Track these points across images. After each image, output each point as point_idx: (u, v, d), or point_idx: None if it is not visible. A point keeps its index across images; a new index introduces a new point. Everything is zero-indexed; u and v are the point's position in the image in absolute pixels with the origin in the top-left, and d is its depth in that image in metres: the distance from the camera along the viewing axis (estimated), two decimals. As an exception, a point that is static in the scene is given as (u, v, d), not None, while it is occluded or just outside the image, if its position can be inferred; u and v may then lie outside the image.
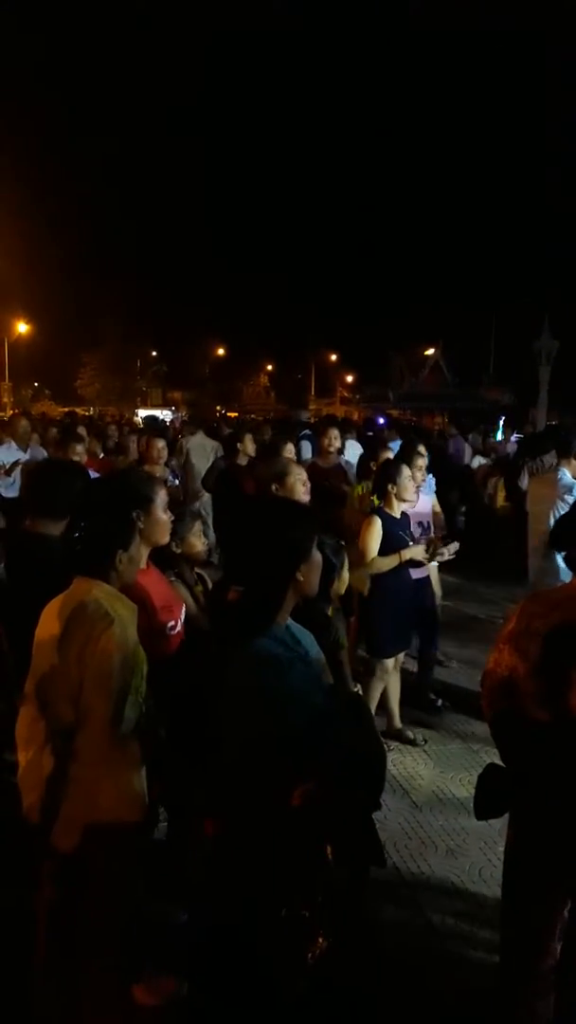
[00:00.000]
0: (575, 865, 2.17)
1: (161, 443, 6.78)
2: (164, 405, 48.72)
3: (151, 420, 16.67)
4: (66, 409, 28.46)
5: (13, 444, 7.82)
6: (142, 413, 26.05)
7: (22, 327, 39.61)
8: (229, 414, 33.98)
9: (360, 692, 2.45)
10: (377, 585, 4.62)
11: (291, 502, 3.07)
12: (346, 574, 3.20)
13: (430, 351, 45.36)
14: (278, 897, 1.65)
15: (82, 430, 7.48)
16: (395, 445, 6.28)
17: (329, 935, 1.63)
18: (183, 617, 2.86)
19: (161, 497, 2.82)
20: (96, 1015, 2.29)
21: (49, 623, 2.22)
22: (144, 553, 2.78)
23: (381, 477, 4.78)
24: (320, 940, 1.62)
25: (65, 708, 2.15)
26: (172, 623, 2.78)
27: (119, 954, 2.36)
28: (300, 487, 3.72)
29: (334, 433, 6.31)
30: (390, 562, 4.54)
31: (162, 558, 3.01)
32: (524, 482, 8.89)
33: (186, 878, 2.53)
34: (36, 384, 50.25)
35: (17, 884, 2.46)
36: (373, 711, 4.54)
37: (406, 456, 5.33)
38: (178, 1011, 2.53)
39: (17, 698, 2.39)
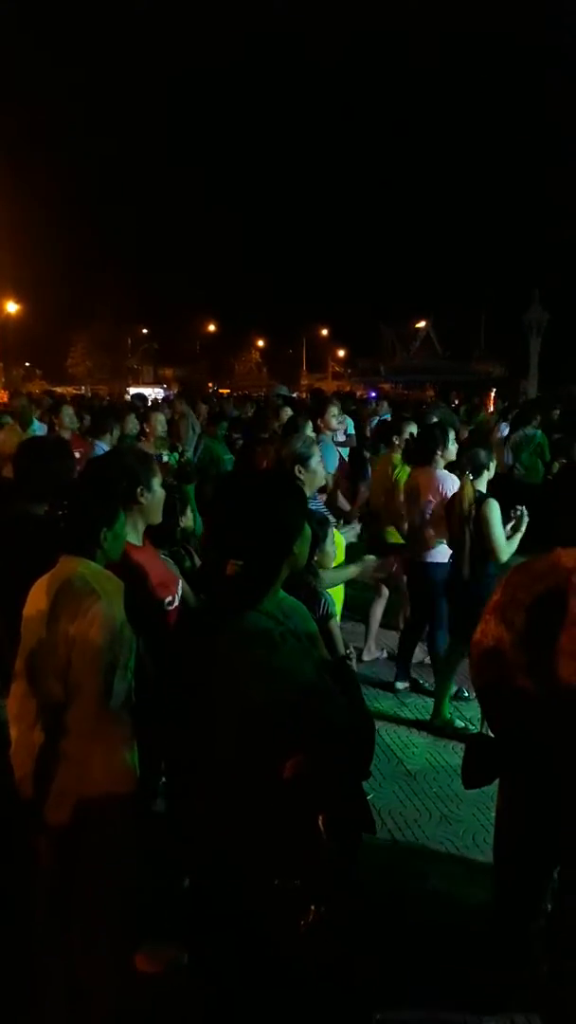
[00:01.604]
0: (560, 829, 2.21)
1: (161, 417, 6.83)
2: (155, 383, 48.45)
3: (139, 398, 16.56)
4: (59, 389, 28.28)
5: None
6: (133, 391, 25.85)
7: (11, 307, 39.24)
8: (221, 391, 33.78)
9: (351, 657, 2.48)
10: (486, 571, 4.34)
11: (284, 478, 3.07)
12: (330, 548, 3.19)
13: (421, 324, 45.19)
14: (270, 867, 1.68)
15: (70, 409, 7.42)
16: (386, 417, 6.31)
17: (321, 904, 1.67)
18: (180, 593, 2.88)
19: (157, 475, 2.84)
20: (95, 985, 2.33)
21: (37, 600, 2.24)
22: (140, 530, 2.79)
23: (475, 458, 4.48)
24: (312, 909, 1.66)
25: (54, 684, 2.17)
26: (169, 599, 2.80)
27: (117, 924, 2.40)
28: (322, 470, 3.73)
29: (334, 410, 6.10)
30: (515, 541, 4.33)
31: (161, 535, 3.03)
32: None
33: (183, 848, 2.56)
34: (27, 364, 49.89)
35: (12, 858, 2.49)
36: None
37: (396, 428, 5.35)
38: (179, 978, 2.58)
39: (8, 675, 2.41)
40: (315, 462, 3.64)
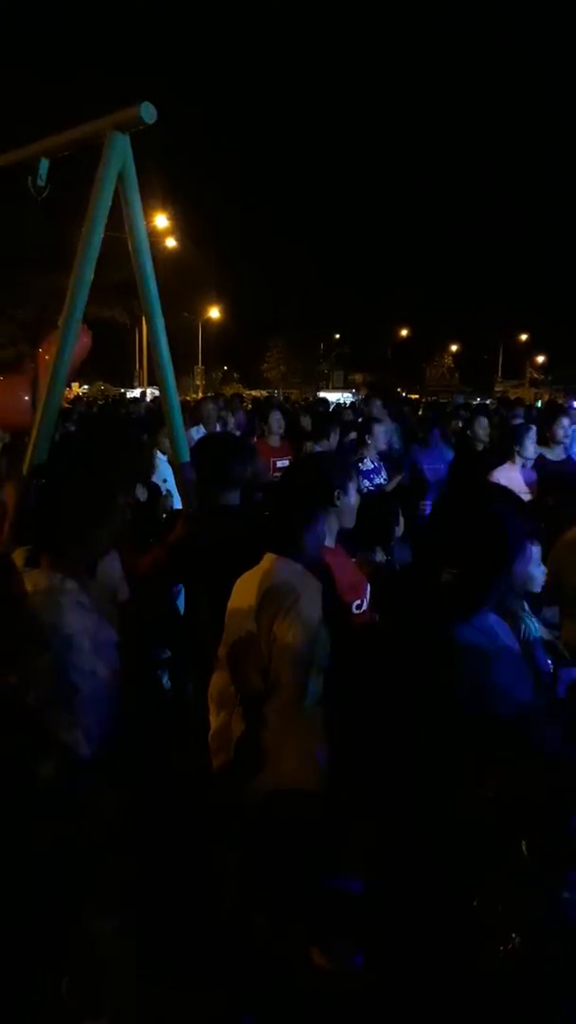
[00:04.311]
0: None
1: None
2: (345, 387, 49.00)
3: (321, 403, 16.00)
4: (255, 393, 29.39)
5: (202, 428, 8.10)
6: (324, 396, 26.27)
7: (214, 313, 41.40)
8: (411, 396, 33.47)
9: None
10: None
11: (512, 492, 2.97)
12: (536, 571, 3.05)
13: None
14: (470, 887, 1.64)
15: (277, 413, 7.53)
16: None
17: (523, 933, 1.60)
18: (368, 597, 2.90)
19: (355, 479, 2.88)
20: (271, 972, 2.40)
21: (246, 595, 2.34)
22: (334, 532, 2.84)
23: None
24: (514, 936, 1.60)
25: (255, 677, 2.26)
26: (358, 602, 2.82)
27: (298, 916, 2.45)
28: None
29: (565, 422, 5.69)
30: None
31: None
32: None
33: (362, 851, 2.57)
34: (225, 368, 52.37)
35: (202, 840, 2.61)
36: None
37: None
38: (353, 979, 2.59)
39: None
40: None
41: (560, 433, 5.65)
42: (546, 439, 5.48)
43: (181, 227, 29.86)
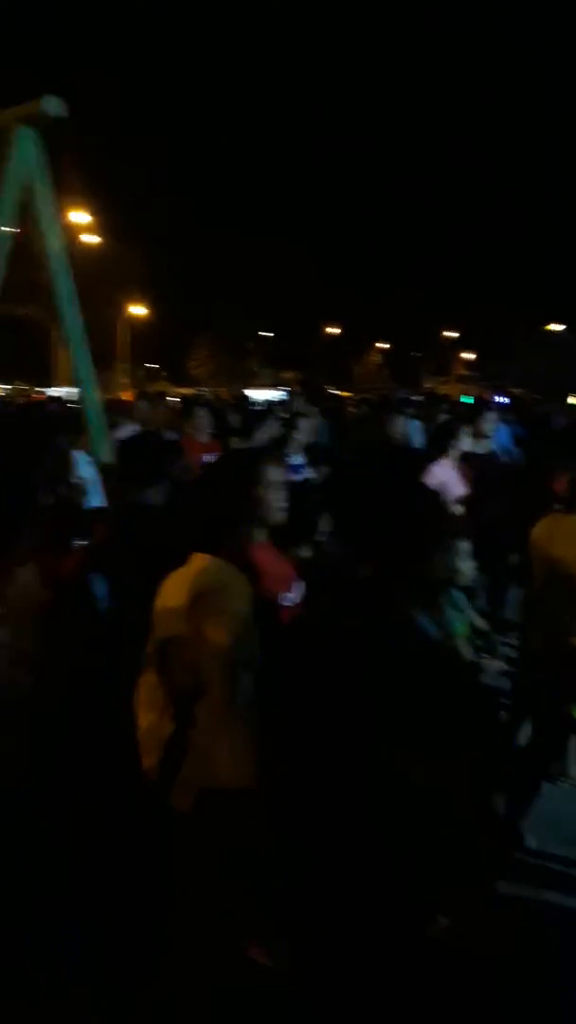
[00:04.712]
0: None
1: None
2: (275, 385, 49.11)
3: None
4: (182, 390, 29.14)
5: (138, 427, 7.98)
6: (250, 393, 26.21)
7: (139, 310, 40.85)
8: (341, 393, 33.73)
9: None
10: None
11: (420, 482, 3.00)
12: (463, 565, 3.10)
13: (557, 327, 43.62)
14: (403, 875, 1.67)
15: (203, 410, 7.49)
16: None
17: (450, 914, 1.64)
18: (297, 591, 2.91)
19: (273, 474, 2.88)
20: (197, 973, 2.38)
21: (175, 595, 2.31)
22: (260, 528, 2.84)
23: None
24: (441, 920, 1.63)
25: (185, 676, 2.24)
26: (286, 595, 2.84)
27: (231, 913, 2.45)
28: None
29: (492, 416, 5.99)
30: None
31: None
32: None
33: (297, 848, 2.59)
34: (155, 365, 51.76)
35: (135, 842, 2.58)
36: None
37: None
38: (287, 974, 2.60)
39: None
40: None
41: (487, 428, 5.85)
42: (473, 434, 5.63)
43: (103, 223, 29.38)
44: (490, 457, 5.89)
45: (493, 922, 1.68)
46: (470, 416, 5.98)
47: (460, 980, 1.66)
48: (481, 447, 5.76)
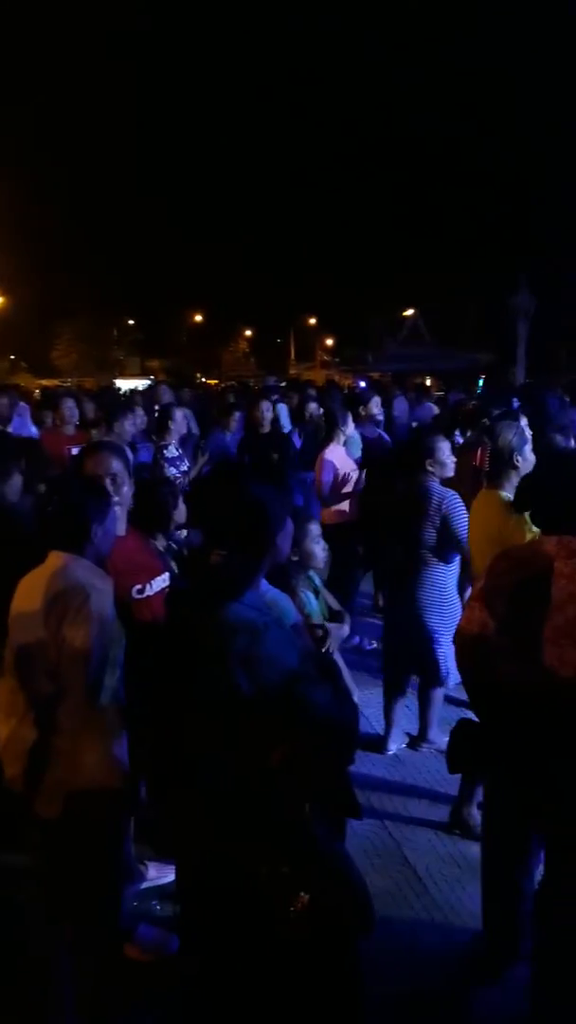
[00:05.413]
0: (542, 813, 2.25)
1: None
2: (142, 374, 48.23)
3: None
4: (45, 382, 28.12)
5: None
6: (119, 384, 25.62)
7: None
8: (208, 381, 33.62)
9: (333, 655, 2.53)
10: None
11: (264, 470, 3.09)
12: (314, 547, 3.17)
13: (408, 312, 45.16)
14: (258, 856, 1.70)
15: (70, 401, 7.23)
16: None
17: (311, 890, 1.69)
18: (160, 582, 2.89)
19: (129, 467, 2.88)
20: (85, 974, 2.35)
21: (30, 598, 2.24)
22: (122, 521, 2.82)
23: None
24: (302, 895, 1.68)
25: (45, 682, 2.18)
26: (139, 587, 2.82)
27: (108, 915, 2.42)
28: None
29: (376, 400, 6.38)
30: None
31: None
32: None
33: (171, 839, 2.59)
34: (12, 357, 49.52)
35: (4, 849, 2.50)
36: None
37: None
38: (169, 967, 2.61)
39: None
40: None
41: (374, 411, 6.29)
42: (360, 418, 5.98)
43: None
44: (377, 440, 6.16)
45: (351, 892, 1.75)
46: (356, 401, 6.33)
47: (324, 954, 1.73)
48: (368, 430, 6.09)
